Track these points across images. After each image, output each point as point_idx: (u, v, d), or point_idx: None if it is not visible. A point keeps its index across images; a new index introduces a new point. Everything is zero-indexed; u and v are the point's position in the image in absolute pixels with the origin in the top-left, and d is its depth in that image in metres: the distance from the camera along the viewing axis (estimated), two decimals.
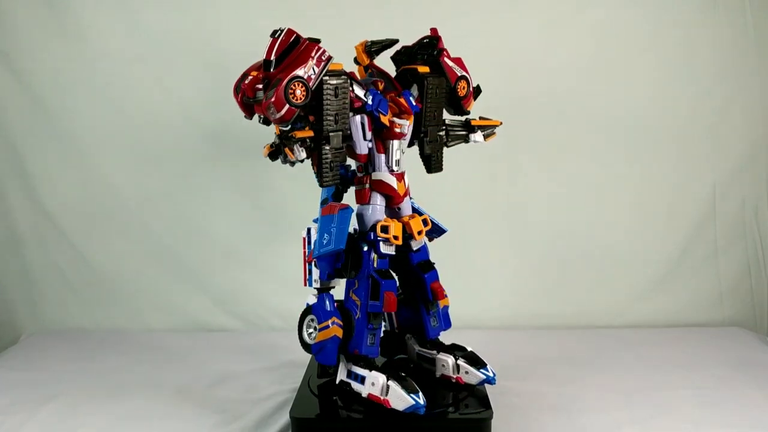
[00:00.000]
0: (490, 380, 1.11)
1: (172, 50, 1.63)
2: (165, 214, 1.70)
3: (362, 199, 1.12)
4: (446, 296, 1.16)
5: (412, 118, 1.11)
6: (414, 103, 1.12)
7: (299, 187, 1.68)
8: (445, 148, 1.20)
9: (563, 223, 1.71)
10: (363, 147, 1.09)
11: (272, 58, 1.02)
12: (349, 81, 1.05)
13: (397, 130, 1.09)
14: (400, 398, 1.00)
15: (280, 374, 1.37)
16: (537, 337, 1.61)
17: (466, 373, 1.12)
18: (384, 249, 1.08)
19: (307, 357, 1.29)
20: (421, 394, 1.00)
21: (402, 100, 1.11)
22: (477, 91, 1.20)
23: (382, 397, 1.02)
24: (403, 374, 1.04)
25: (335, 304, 1.10)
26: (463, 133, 1.21)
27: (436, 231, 1.19)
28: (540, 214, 1.71)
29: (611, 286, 1.72)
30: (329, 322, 1.07)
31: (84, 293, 1.73)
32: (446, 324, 1.17)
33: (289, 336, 1.60)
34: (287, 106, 0.99)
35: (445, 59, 1.14)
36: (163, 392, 1.30)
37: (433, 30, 1.16)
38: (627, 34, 1.64)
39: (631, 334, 1.62)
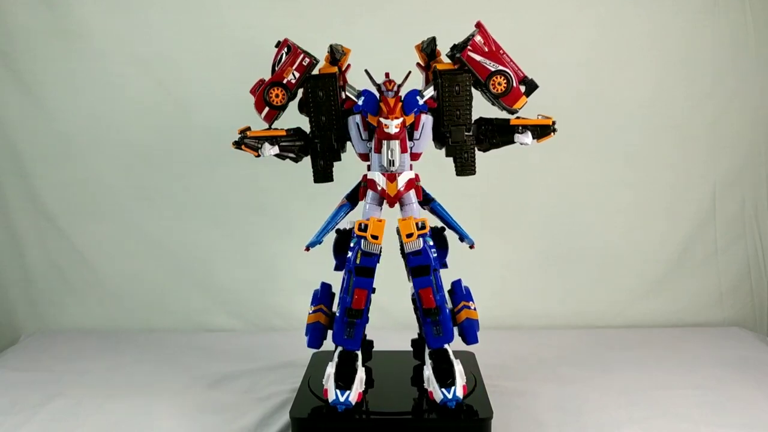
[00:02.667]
0: (447, 402, 1.04)
1: (173, 50, 1.63)
2: (165, 214, 1.70)
3: (360, 197, 1.13)
4: (473, 309, 1.12)
5: (413, 117, 1.08)
6: (422, 102, 1.09)
7: (299, 188, 1.69)
8: (484, 150, 1.14)
9: (563, 223, 1.71)
10: (360, 146, 1.12)
11: (272, 65, 1.12)
12: (335, 83, 1.09)
13: (385, 130, 1.07)
14: (330, 391, 1.05)
15: (280, 374, 1.37)
16: (537, 337, 1.61)
17: (434, 389, 1.07)
18: (364, 247, 1.08)
19: (307, 357, 1.29)
20: (349, 393, 1.04)
21: (390, 100, 1.07)
22: (529, 86, 1.10)
23: (324, 386, 1.07)
24: (348, 370, 1.07)
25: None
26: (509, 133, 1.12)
27: (465, 237, 1.14)
28: (540, 214, 1.71)
29: (611, 286, 1.72)
30: (315, 308, 1.14)
31: (84, 293, 1.73)
32: (471, 338, 1.11)
33: (289, 336, 1.61)
34: (267, 108, 1.11)
35: (470, 54, 1.07)
36: (163, 392, 1.30)
37: (477, 23, 1.10)
38: (627, 33, 1.64)
39: (631, 334, 1.63)
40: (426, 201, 1.15)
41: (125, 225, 1.71)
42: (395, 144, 1.07)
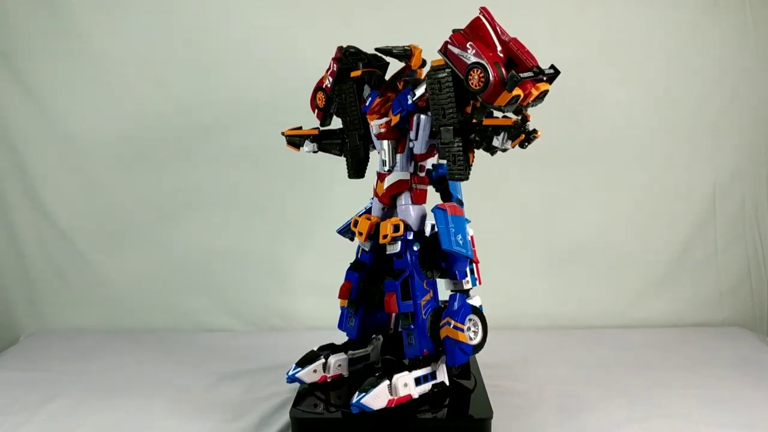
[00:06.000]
0: (351, 405, 1.01)
1: (173, 50, 1.63)
2: (164, 214, 1.70)
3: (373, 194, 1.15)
4: (457, 329, 1.04)
5: (398, 117, 1.06)
6: (410, 102, 1.05)
7: (299, 188, 1.69)
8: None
9: (563, 224, 1.71)
10: (377, 145, 1.12)
11: None
12: (354, 86, 1.11)
13: (372, 130, 1.09)
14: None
15: (280, 374, 1.36)
16: (537, 337, 1.61)
17: None
18: (359, 242, 1.11)
19: None
20: (301, 370, 1.12)
21: (378, 100, 1.08)
22: (511, 79, 0.92)
23: None
24: (314, 355, 1.15)
25: None
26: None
27: (450, 249, 1.04)
28: (540, 215, 1.71)
29: (611, 286, 1.72)
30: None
31: (84, 293, 1.73)
32: (448, 358, 1.05)
33: (289, 336, 1.61)
34: (316, 110, 1.18)
35: (449, 47, 0.98)
36: (163, 392, 1.30)
37: (481, 9, 0.98)
38: (627, 34, 1.64)
39: (631, 334, 1.62)
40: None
41: (125, 225, 1.71)
42: (386, 144, 1.08)
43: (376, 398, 1.01)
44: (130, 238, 1.71)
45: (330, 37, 1.46)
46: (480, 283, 1.14)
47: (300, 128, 1.20)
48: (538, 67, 0.96)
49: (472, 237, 1.16)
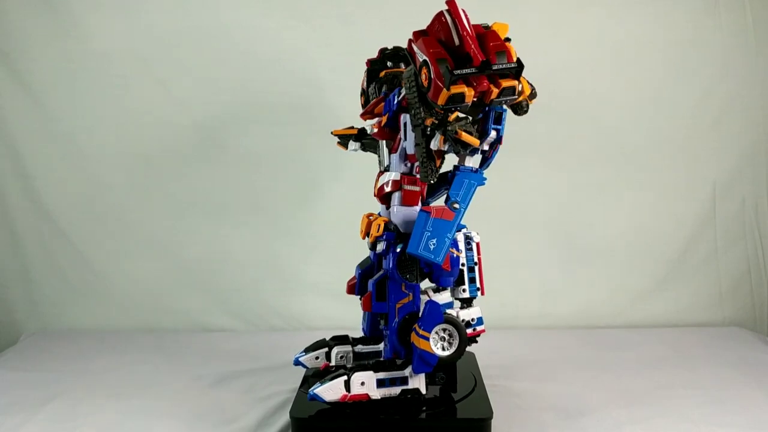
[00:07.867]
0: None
1: (173, 50, 1.63)
2: (165, 214, 1.70)
3: None
4: (423, 338, 0.99)
5: (385, 118, 1.05)
6: (395, 102, 1.03)
7: (298, 189, 1.69)
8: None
9: (564, 223, 1.71)
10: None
11: None
12: (376, 87, 1.12)
13: (369, 130, 1.10)
14: None
15: (280, 374, 1.37)
16: (537, 337, 1.61)
17: None
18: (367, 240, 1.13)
19: None
20: (305, 354, 1.19)
21: (375, 100, 1.09)
22: (445, 75, 0.86)
23: None
24: (323, 343, 1.20)
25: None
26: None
27: (413, 249, 0.95)
28: (540, 214, 1.71)
29: (612, 286, 1.72)
30: None
31: (84, 293, 1.73)
32: (414, 367, 1.01)
33: (289, 336, 1.61)
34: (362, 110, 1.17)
35: (413, 45, 0.93)
36: (163, 392, 1.30)
37: (447, 2, 0.92)
38: (627, 34, 1.64)
39: (631, 334, 1.63)
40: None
41: (125, 225, 1.71)
42: (382, 143, 1.10)
43: (330, 391, 1.03)
44: (130, 238, 1.71)
45: (330, 37, 1.46)
46: (483, 293, 1.12)
47: (352, 128, 1.21)
48: (485, 62, 0.87)
49: (477, 244, 1.14)
